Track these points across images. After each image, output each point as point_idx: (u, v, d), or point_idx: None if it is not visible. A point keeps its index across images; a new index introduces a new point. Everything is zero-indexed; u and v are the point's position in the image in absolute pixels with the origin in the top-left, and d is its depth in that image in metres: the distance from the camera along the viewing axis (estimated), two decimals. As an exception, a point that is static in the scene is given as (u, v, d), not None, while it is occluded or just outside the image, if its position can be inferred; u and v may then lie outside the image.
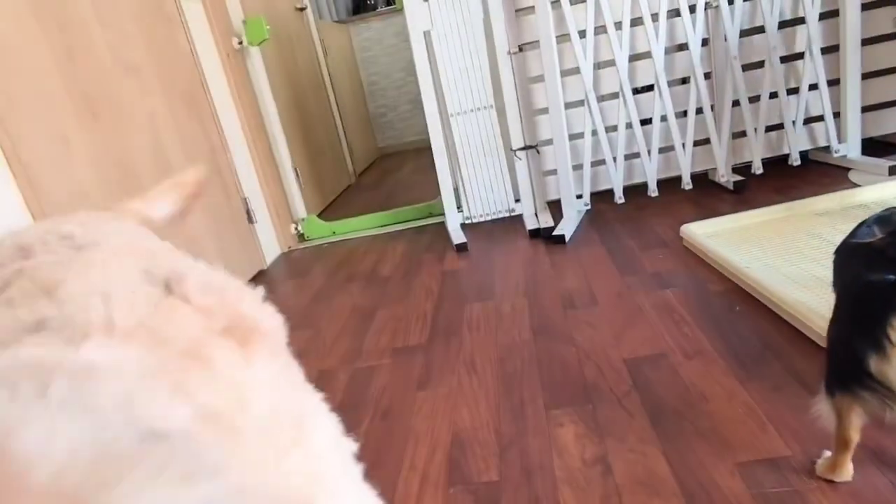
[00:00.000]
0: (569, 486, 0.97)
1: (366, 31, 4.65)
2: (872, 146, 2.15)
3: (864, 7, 1.98)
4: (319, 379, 1.46)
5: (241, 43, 2.47)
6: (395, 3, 5.06)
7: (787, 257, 1.51)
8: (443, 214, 2.46)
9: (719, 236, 1.71)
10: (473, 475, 1.04)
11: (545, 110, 2.21)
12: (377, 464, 1.13)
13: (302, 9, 3.60)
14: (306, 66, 3.46)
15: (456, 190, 2.38)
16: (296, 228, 2.74)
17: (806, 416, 0.98)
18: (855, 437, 0.83)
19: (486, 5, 2.11)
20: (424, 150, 3.67)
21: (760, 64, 2.07)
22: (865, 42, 2.02)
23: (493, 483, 1.01)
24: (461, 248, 2.15)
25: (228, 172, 2.27)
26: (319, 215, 2.86)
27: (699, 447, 0.99)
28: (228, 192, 2.24)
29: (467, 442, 1.12)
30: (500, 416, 1.17)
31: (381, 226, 2.67)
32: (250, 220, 2.37)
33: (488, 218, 2.40)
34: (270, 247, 2.54)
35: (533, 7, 2.08)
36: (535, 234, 2.13)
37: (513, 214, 2.38)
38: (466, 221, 2.41)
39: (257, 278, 2.35)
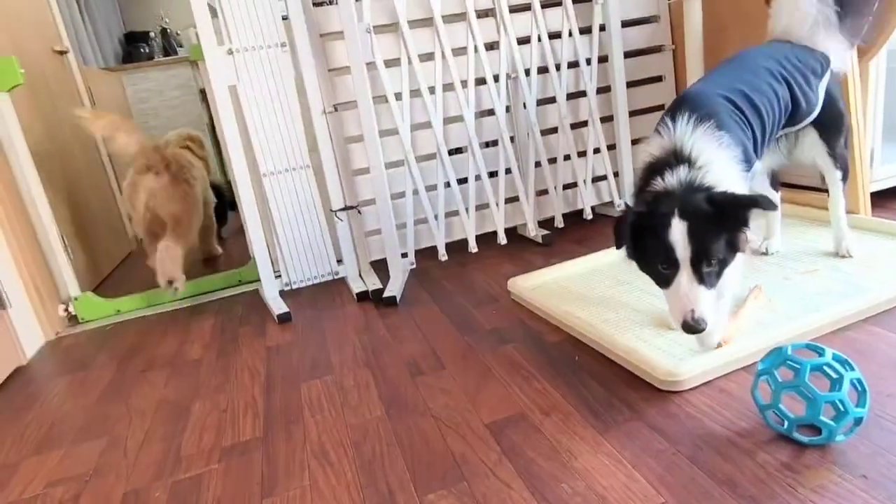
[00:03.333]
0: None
1: (143, 80, 4.19)
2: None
3: (629, 85, 2.33)
4: (126, 504, 1.16)
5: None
6: (176, 53, 4.67)
7: (606, 303, 1.64)
8: (256, 281, 2.23)
9: (543, 288, 1.81)
10: None
11: (364, 170, 2.17)
12: None
13: (62, 52, 3.10)
14: (70, 117, 2.95)
15: (271, 254, 2.18)
16: (65, 309, 2.25)
17: (665, 459, 1.03)
18: None
19: (297, 62, 2.02)
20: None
21: (555, 130, 2.30)
22: (632, 114, 2.38)
23: None
24: (284, 318, 1.96)
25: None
26: (96, 290, 2.40)
27: (583, 510, 0.97)
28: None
29: (337, 553, 0.97)
30: (371, 514, 1.04)
31: (181, 298, 2.32)
32: (1, 305, 1.88)
33: (310, 283, 2.23)
34: (31, 335, 2.04)
35: (346, 67, 2.05)
36: (364, 296, 2.04)
37: (336, 277, 2.25)
38: (286, 288, 2.21)
39: (14, 378, 1.85)
